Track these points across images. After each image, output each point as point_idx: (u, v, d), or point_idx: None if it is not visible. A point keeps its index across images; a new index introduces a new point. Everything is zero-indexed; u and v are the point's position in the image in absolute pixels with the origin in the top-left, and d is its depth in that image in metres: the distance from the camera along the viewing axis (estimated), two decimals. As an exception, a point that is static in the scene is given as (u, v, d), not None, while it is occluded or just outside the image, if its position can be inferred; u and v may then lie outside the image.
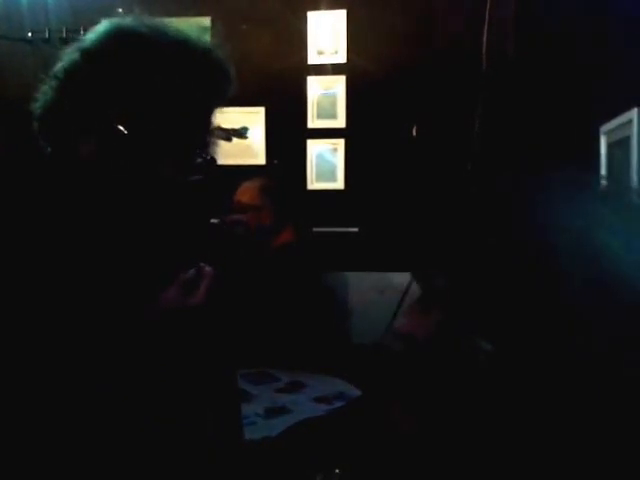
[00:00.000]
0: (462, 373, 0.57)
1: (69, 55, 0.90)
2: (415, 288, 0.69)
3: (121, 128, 0.86)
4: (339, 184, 2.90)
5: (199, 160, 0.92)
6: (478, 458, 0.57)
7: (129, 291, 0.85)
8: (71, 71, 0.88)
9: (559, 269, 0.54)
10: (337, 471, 0.89)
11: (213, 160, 0.93)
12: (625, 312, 0.53)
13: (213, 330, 0.94)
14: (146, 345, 0.84)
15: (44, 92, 0.89)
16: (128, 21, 0.92)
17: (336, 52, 2.90)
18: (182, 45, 0.91)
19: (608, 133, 1.76)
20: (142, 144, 0.88)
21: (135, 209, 0.90)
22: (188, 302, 0.86)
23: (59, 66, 0.89)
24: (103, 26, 0.92)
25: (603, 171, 1.76)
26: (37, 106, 0.89)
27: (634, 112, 1.57)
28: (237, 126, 2.87)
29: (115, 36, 0.90)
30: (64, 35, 2.80)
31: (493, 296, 0.57)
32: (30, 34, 2.90)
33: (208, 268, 0.90)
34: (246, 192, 2.42)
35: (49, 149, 0.89)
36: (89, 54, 0.89)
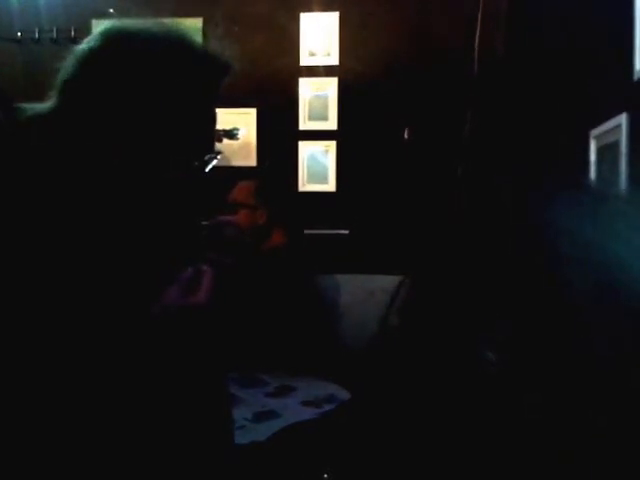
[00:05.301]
0: (465, 381, 0.56)
1: (67, 62, 0.90)
2: (404, 291, 0.69)
3: (122, 132, 0.86)
4: (330, 186, 2.90)
5: (207, 157, 0.93)
6: (478, 463, 0.57)
7: (131, 289, 0.85)
8: (69, 78, 0.88)
9: (557, 271, 0.54)
10: (325, 476, 0.89)
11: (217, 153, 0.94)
12: (627, 314, 0.53)
13: (213, 331, 0.94)
14: (148, 344, 0.84)
15: (43, 105, 0.89)
16: (124, 23, 0.92)
17: (328, 54, 2.90)
18: (180, 44, 0.92)
19: (598, 137, 1.76)
20: (146, 146, 0.88)
21: (138, 209, 0.90)
22: (190, 301, 0.86)
23: (58, 75, 0.89)
24: (100, 30, 0.91)
25: (592, 175, 1.76)
26: (36, 113, 0.89)
27: (623, 117, 1.58)
28: (228, 127, 2.86)
29: (112, 39, 0.90)
30: (54, 35, 2.78)
31: (494, 302, 0.57)
32: (19, 34, 2.88)
33: (207, 267, 0.89)
34: (242, 191, 2.42)
35: (49, 151, 0.89)
36: (87, 59, 0.89)
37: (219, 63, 0.94)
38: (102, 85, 0.87)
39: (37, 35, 2.86)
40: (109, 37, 0.90)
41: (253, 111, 2.92)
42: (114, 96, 0.87)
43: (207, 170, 0.94)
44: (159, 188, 0.90)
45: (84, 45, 0.90)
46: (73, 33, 2.72)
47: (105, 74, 0.87)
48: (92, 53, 0.89)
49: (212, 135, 0.96)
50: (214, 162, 0.94)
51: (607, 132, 1.69)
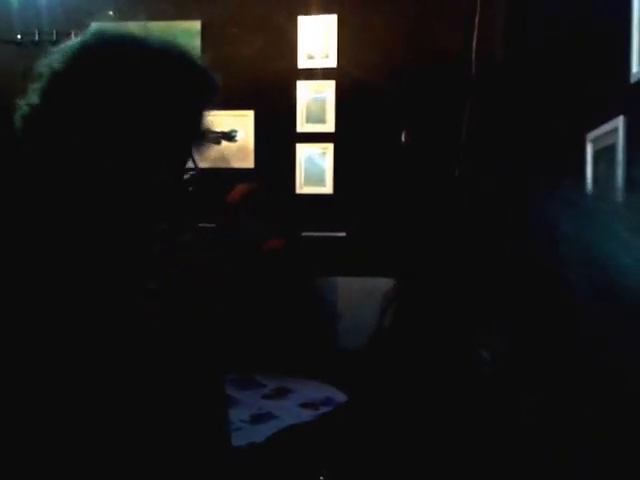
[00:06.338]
0: (462, 381, 0.57)
1: (50, 66, 0.89)
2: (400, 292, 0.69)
3: (107, 138, 0.86)
4: (328, 188, 2.90)
5: (190, 174, 0.93)
6: (476, 463, 0.57)
7: (121, 292, 0.85)
8: (53, 80, 0.88)
9: (555, 272, 0.54)
10: (322, 478, 0.89)
11: (202, 173, 0.94)
12: (624, 314, 0.53)
13: (211, 332, 0.94)
14: (145, 345, 0.84)
15: (27, 101, 0.88)
16: (111, 29, 0.92)
17: (326, 57, 2.91)
18: (165, 53, 0.91)
19: (594, 140, 1.77)
20: (130, 154, 0.88)
21: (128, 215, 0.90)
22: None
23: (41, 74, 0.89)
24: (84, 34, 0.91)
25: (589, 178, 1.77)
26: (20, 115, 0.89)
27: (620, 120, 1.58)
28: (226, 129, 2.87)
29: (96, 45, 0.90)
30: (54, 38, 2.79)
31: (491, 302, 0.57)
32: (19, 36, 2.89)
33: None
34: (238, 193, 2.44)
35: (34, 157, 0.88)
36: (71, 64, 0.88)
37: (208, 75, 0.93)
38: (92, 86, 0.87)
39: (37, 37, 2.87)
40: (103, 38, 0.90)
41: (251, 113, 2.92)
42: (103, 98, 0.86)
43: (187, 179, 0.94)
44: (153, 190, 0.91)
45: (69, 51, 0.89)
46: (73, 36, 2.72)
47: (95, 75, 0.87)
48: (84, 52, 0.88)
49: (198, 139, 0.95)
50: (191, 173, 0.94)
51: (604, 135, 1.70)
